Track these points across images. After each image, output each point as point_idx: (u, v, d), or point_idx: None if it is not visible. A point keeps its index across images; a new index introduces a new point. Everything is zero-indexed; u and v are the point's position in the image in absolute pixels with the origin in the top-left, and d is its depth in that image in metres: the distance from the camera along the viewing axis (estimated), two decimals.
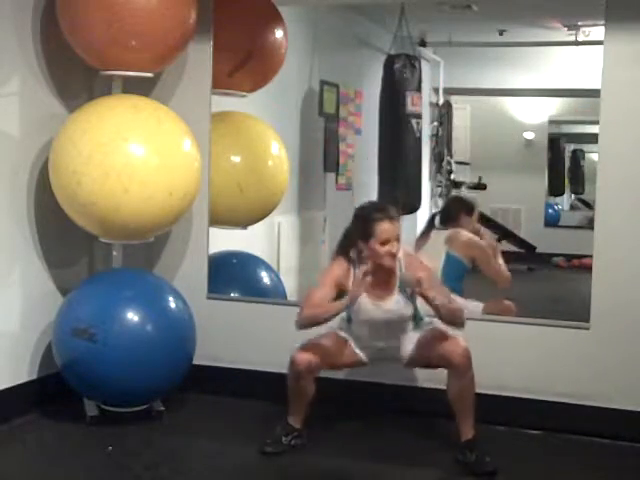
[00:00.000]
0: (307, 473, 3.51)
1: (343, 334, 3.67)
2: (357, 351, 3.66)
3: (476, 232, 5.04)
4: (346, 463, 3.56)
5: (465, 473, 3.42)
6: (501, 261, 4.96)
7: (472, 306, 4.52)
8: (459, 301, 4.04)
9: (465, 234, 4.98)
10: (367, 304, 3.56)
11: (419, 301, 3.59)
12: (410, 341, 3.62)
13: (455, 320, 3.50)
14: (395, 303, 3.57)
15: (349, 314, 3.65)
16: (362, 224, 3.55)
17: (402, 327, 3.63)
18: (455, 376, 3.46)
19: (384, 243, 3.48)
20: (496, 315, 4.25)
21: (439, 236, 5.02)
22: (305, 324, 3.51)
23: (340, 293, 3.55)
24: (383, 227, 3.48)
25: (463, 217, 5.07)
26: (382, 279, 3.56)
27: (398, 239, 3.53)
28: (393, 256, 3.52)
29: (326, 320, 3.51)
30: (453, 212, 5.19)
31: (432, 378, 3.77)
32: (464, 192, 6.70)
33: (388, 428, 3.92)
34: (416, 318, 3.64)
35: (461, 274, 4.88)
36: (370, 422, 3.98)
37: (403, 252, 3.60)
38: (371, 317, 3.59)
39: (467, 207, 5.20)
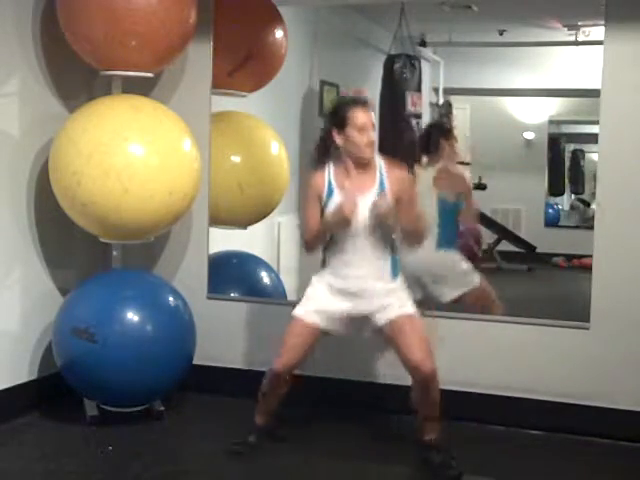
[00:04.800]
0: (307, 472, 3.51)
1: (310, 320, 3.50)
2: (326, 324, 3.50)
3: (454, 158, 4.80)
4: (339, 461, 3.56)
5: (431, 475, 3.41)
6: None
7: (466, 266, 4.55)
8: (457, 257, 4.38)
9: (456, 171, 4.72)
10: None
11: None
12: (385, 303, 3.43)
13: (415, 231, 3.46)
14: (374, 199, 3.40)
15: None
16: (336, 114, 3.48)
17: (379, 250, 3.44)
18: (422, 384, 3.41)
19: (361, 130, 3.39)
20: (475, 299, 4.37)
21: (425, 174, 4.60)
22: (311, 247, 3.57)
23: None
24: (358, 113, 3.40)
25: (443, 144, 4.78)
26: (360, 175, 3.44)
27: (373, 127, 3.43)
28: (371, 145, 3.42)
29: (325, 232, 3.49)
30: (434, 140, 4.86)
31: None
32: None
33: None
34: (393, 251, 3.48)
35: (455, 217, 4.66)
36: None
37: (382, 157, 3.49)
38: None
39: (445, 131, 4.94)
